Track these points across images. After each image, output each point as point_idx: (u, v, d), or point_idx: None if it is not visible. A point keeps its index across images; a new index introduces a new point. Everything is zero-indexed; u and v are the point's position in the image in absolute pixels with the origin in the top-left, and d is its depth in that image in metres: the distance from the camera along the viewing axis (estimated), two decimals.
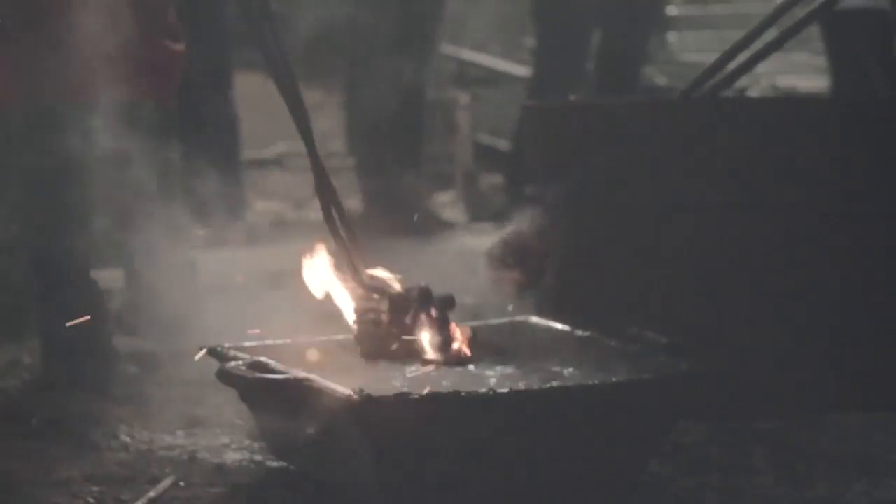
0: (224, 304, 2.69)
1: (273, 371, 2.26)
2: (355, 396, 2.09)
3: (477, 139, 7.83)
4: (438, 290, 2.50)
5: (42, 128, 3.04)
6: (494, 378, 2.42)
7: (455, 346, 2.49)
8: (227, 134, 5.40)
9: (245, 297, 2.67)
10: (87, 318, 3.02)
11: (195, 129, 4.34)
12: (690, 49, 10.57)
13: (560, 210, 2.79)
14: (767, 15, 2.60)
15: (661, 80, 9.14)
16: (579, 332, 2.55)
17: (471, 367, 2.48)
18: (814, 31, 6.44)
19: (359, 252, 2.51)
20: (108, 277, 3.40)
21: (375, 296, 2.50)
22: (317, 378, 2.18)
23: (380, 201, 5.96)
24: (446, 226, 6.23)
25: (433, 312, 2.48)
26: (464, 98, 7.78)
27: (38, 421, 2.84)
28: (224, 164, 4.18)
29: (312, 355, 2.48)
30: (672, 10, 10.33)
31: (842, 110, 2.75)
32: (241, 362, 2.31)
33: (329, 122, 8.01)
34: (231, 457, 2.62)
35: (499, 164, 7.67)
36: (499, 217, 6.52)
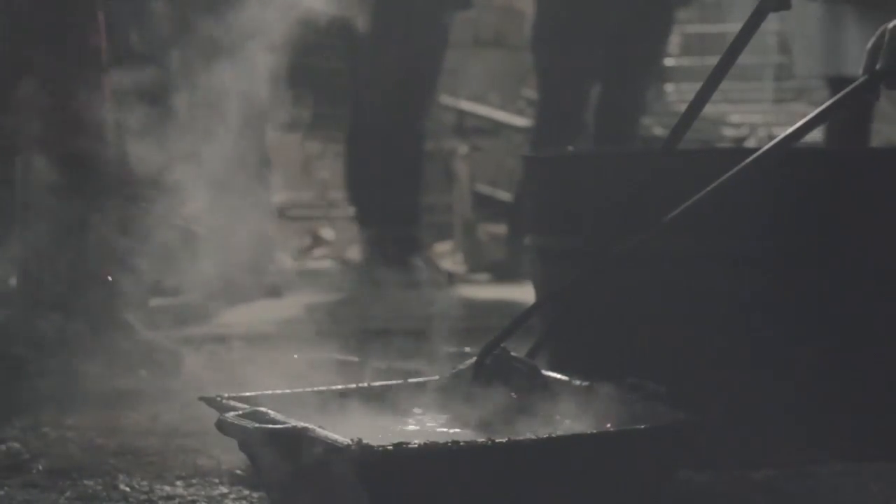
0: (227, 355, 2.70)
1: (272, 421, 2.27)
2: (353, 446, 2.10)
3: (475, 189, 7.86)
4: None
5: None
6: (493, 428, 2.42)
7: None
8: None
9: (247, 349, 2.69)
10: None
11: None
12: (688, 100, 10.63)
13: (555, 259, 2.81)
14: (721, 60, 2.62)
15: (658, 131, 9.18)
16: (577, 382, 2.56)
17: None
18: (813, 82, 6.46)
19: None
20: None
21: None
22: (315, 428, 2.19)
23: (379, 251, 5.98)
24: (445, 276, 6.25)
25: None
26: (462, 148, 7.82)
27: (38, 471, 2.84)
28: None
29: (313, 405, 2.49)
30: (669, 62, 10.38)
31: (834, 161, 2.78)
32: (240, 412, 2.32)
33: (329, 171, 8.04)
34: None
35: (497, 214, 7.69)
36: (497, 267, 6.54)
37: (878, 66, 2.39)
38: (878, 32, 2.41)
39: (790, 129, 2.45)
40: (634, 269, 2.61)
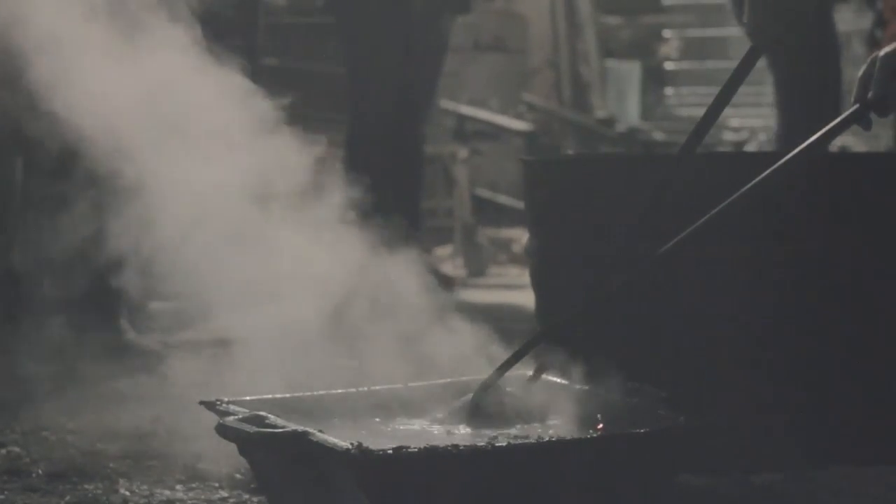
0: (227, 359, 2.70)
1: (272, 425, 2.27)
2: (353, 450, 2.10)
3: (475, 193, 7.87)
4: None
5: None
6: (493, 432, 2.42)
7: None
8: None
9: (247, 352, 2.69)
10: None
11: None
12: (687, 104, 10.64)
13: (556, 263, 2.81)
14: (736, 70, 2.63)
15: (658, 136, 9.19)
16: (577, 386, 2.56)
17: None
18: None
19: None
20: None
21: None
22: (314, 432, 2.19)
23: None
24: (445, 280, 6.25)
25: None
26: (462, 152, 7.83)
27: (39, 474, 2.85)
28: None
29: (313, 409, 2.49)
30: (669, 66, 10.39)
31: (835, 164, 2.78)
32: (239, 416, 2.32)
33: (328, 175, 8.01)
34: None
35: (496, 218, 7.68)
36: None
37: (869, 96, 2.39)
38: (868, 61, 2.41)
39: (776, 165, 2.45)
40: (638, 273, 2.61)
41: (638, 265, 2.51)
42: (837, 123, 2.43)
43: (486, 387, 2.53)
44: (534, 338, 2.60)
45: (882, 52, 2.38)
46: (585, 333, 2.62)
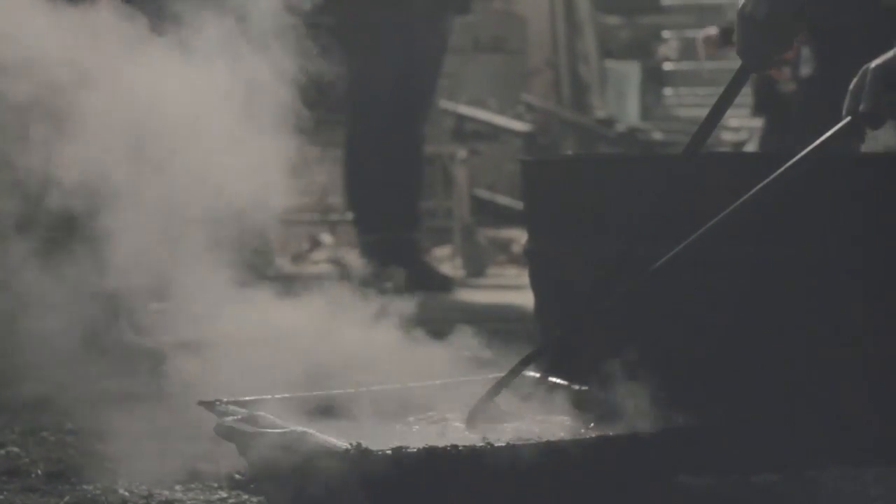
0: (226, 359, 2.71)
1: (271, 425, 2.27)
2: (352, 450, 2.10)
3: (474, 193, 7.87)
4: None
5: None
6: (492, 432, 2.42)
7: None
8: None
9: (246, 353, 2.69)
10: None
11: None
12: (686, 104, 10.66)
13: (555, 263, 2.81)
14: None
15: (657, 136, 9.18)
16: (576, 387, 2.56)
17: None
18: None
19: None
20: None
21: None
22: (314, 432, 2.19)
23: (378, 256, 5.98)
24: (444, 280, 6.25)
25: None
26: (461, 152, 7.83)
27: (37, 475, 2.84)
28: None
29: (312, 409, 2.49)
30: (668, 66, 10.39)
31: (837, 166, 2.78)
32: (238, 416, 2.32)
33: (328, 176, 8.05)
34: None
35: (496, 219, 7.68)
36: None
37: (860, 108, 2.37)
38: (860, 73, 2.39)
39: (767, 179, 2.44)
40: (639, 273, 2.61)
41: (635, 274, 2.51)
42: (829, 136, 2.41)
43: (480, 409, 2.53)
44: (527, 357, 2.60)
45: (873, 64, 2.36)
46: (585, 337, 2.62)
